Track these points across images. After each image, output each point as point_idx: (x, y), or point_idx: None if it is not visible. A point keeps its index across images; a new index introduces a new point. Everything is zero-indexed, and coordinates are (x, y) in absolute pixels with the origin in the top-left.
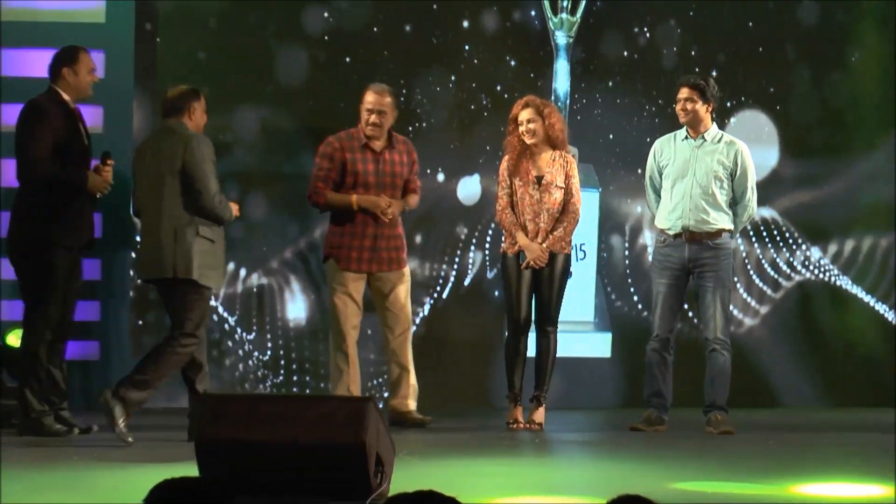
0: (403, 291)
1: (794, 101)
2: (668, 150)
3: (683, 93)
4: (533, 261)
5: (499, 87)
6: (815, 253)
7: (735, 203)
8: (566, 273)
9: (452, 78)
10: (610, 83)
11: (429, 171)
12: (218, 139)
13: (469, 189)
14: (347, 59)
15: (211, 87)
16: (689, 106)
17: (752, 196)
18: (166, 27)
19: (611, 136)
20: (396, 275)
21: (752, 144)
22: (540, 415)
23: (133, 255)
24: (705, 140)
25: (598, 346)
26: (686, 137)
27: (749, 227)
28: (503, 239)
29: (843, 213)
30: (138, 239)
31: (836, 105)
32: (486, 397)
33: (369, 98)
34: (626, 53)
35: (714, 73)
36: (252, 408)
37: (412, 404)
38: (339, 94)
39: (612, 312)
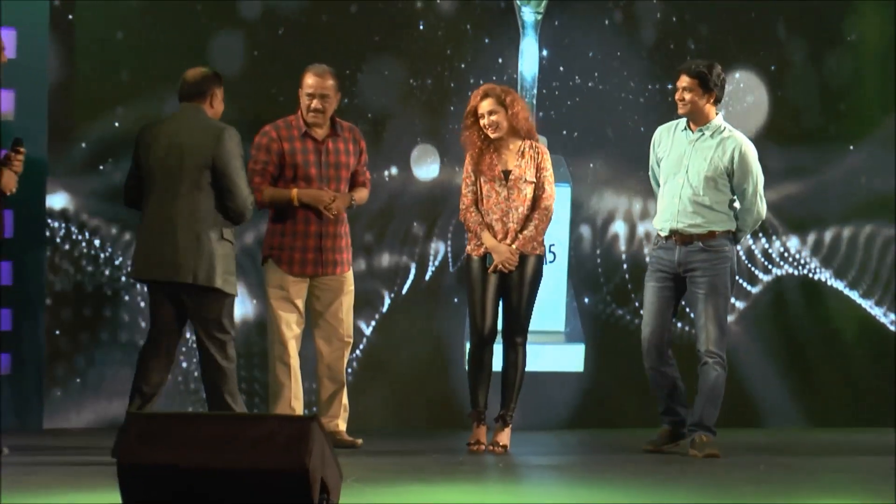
0: (346, 303)
1: (784, 82)
2: (666, 141)
3: (682, 81)
4: (501, 264)
5: (457, 71)
6: (798, 247)
7: (739, 203)
8: (538, 277)
9: (405, 61)
10: (584, 64)
11: (381, 163)
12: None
13: (426, 165)
14: (288, 40)
15: (134, 71)
16: (686, 96)
17: (755, 198)
18: (82, 3)
19: (584, 125)
20: (340, 282)
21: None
22: (505, 436)
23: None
24: (703, 134)
25: (570, 358)
26: (685, 129)
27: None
28: (467, 239)
29: (837, 206)
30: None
31: (831, 87)
32: (444, 415)
33: (309, 81)
34: (601, 30)
35: (692, 47)
36: (182, 428)
37: (342, 425)
38: (279, 80)
39: (584, 321)
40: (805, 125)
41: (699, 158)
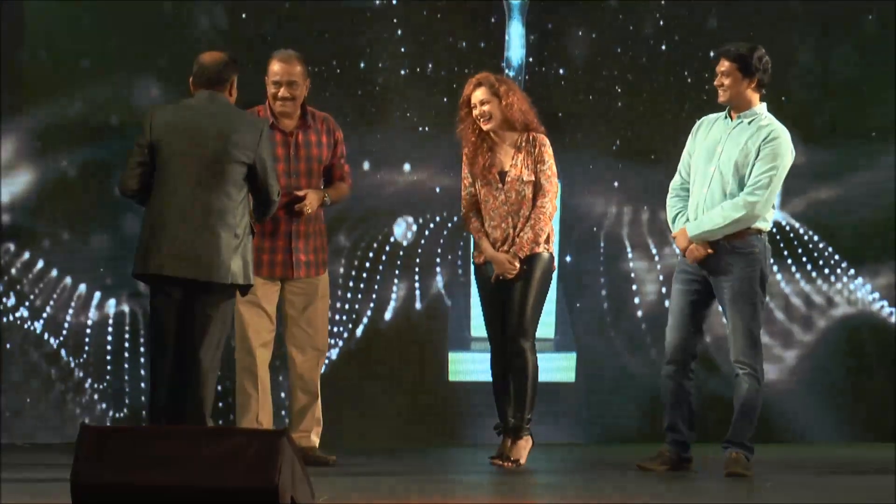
0: (321, 308)
1: (796, 72)
2: (703, 132)
3: (721, 65)
4: (501, 274)
5: (437, 57)
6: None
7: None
8: (545, 277)
9: (378, 46)
10: (576, 52)
11: (357, 157)
12: (104, 121)
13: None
14: (255, 25)
15: (93, 57)
16: (725, 81)
17: (762, 190)
18: None
19: (576, 117)
20: (314, 285)
21: None
22: (519, 450)
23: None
24: (742, 122)
25: (560, 368)
26: (725, 117)
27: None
28: (472, 246)
29: (866, 215)
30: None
31: (844, 76)
32: (424, 434)
33: (275, 68)
34: (595, 15)
35: (683, 38)
36: (141, 444)
37: (315, 439)
38: (248, 65)
39: (575, 328)
40: (824, 119)
41: (733, 144)
